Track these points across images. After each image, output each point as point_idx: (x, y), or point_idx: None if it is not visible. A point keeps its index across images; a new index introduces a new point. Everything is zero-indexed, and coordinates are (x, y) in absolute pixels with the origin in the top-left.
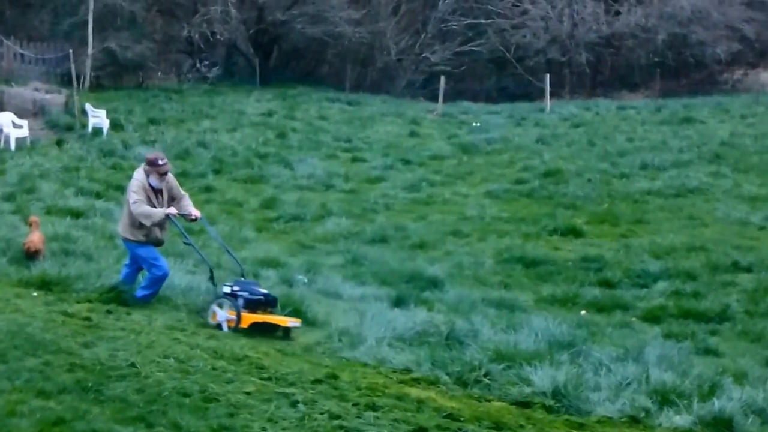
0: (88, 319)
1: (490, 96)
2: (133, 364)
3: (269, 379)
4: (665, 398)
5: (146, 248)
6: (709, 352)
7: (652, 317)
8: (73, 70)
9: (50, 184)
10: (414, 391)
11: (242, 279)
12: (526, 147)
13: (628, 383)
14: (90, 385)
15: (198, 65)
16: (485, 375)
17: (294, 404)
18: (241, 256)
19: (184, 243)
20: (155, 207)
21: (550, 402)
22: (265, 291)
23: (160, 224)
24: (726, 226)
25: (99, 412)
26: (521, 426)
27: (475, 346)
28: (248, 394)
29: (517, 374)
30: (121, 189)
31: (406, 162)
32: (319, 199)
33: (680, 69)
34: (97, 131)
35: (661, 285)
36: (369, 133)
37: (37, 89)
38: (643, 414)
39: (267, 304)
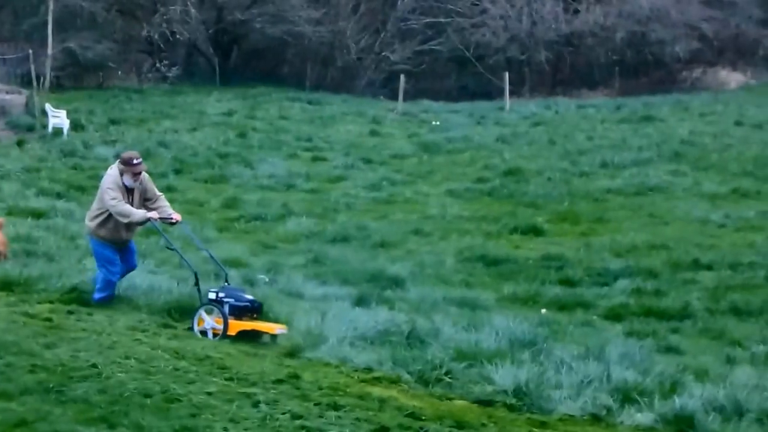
0: (49, 320)
1: (450, 95)
2: (94, 365)
3: (231, 379)
4: (627, 396)
5: (105, 248)
6: (670, 349)
7: (614, 315)
8: (33, 71)
9: (11, 184)
10: (376, 390)
11: (227, 285)
12: (487, 146)
13: (590, 381)
14: (52, 386)
15: (158, 65)
16: (447, 374)
17: (256, 404)
18: (204, 256)
19: (168, 248)
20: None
21: (512, 400)
22: (251, 297)
23: (135, 225)
24: (686, 224)
25: (61, 413)
26: (483, 425)
27: (436, 345)
28: (210, 394)
29: (478, 373)
30: (82, 189)
31: (368, 161)
32: (280, 199)
33: (640, 67)
34: (58, 131)
35: (622, 283)
36: (330, 133)
37: None
38: (604, 412)
39: (253, 310)
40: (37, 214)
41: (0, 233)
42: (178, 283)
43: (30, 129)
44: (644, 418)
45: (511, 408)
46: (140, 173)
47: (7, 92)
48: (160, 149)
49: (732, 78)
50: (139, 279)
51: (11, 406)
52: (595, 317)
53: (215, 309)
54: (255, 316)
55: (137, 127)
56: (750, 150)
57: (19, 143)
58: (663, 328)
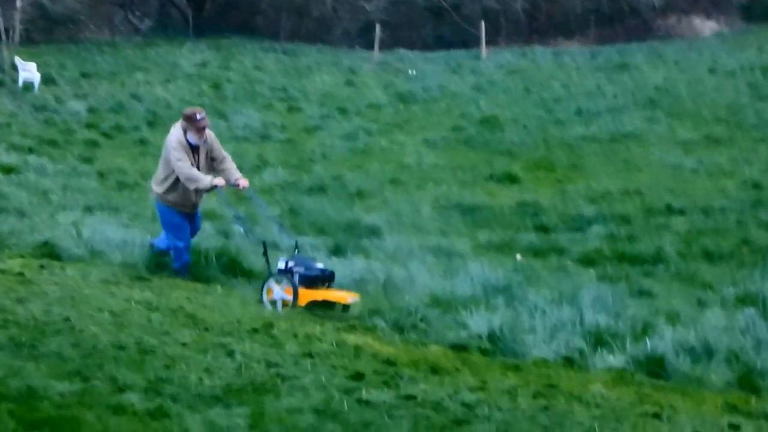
0: (21, 274)
1: (426, 44)
2: (67, 319)
3: (205, 330)
4: (599, 339)
5: (173, 214)
6: (642, 293)
7: (588, 260)
8: (2, 24)
9: None
10: (351, 338)
11: (298, 253)
12: (463, 95)
13: (563, 325)
14: (24, 341)
15: (130, 17)
16: (422, 320)
17: (231, 354)
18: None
19: (235, 217)
20: (192, 166)
21: (486, 345)
22: (322, 266)
23: (201, 192)
24: (660, 171)
25: (34, 368)
26: (457, 369)
27: (412, 293)
28: (184, 345)
29: (453, 319)
30: (54, 144)
31: (343, 111)
32: (255, 150)
33: (615, 16)
34: (28, 86)
35: (597, 229)
36: (305, 83)
37: None
38: (577, 355)
39: (324, 279)
40: (8, 170)
41: None
42: (151, 237)
43: None
44: (616, 360)
45: (485, 353)
46: (204, 129)
47: None
48: (133, 102)
49: (706, 26)
50: (111, 232)
51: None
52: (569, 263)
53: (285, 279)
54: (327, 285)
55: (109, 80)
56: (723, 97)
57: None
58: (636, 273)
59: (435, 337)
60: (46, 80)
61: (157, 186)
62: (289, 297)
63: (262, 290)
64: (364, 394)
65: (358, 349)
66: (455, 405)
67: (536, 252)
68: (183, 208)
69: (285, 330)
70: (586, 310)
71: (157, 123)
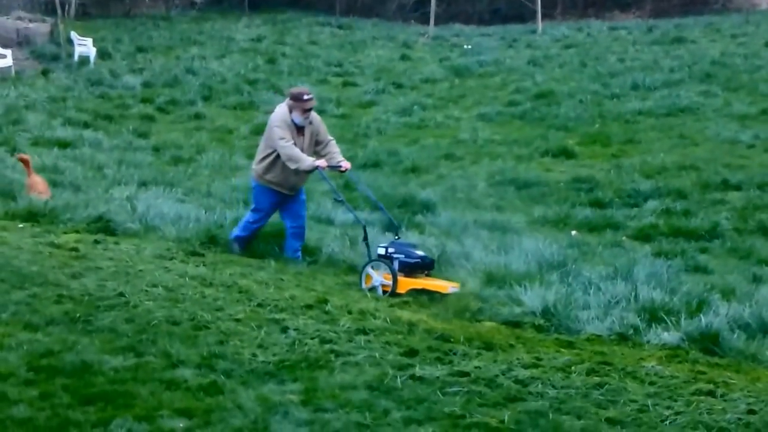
0: (75, 249)
1: (482, 18)
2: (121, 294)
3: (259, 305)
4: (654, 315)
5: (268, 196)
6: (698, 269)
7: (643, 236)
8: None
9: (37, 114)
10: (405, 315)
11: (397, 239)
12: (518, 69)
13: (617, 301)
14: (78, 316)
15: None
16: (476, 296)
17: (284, 330)
18: (232, 184)
19: (335, 200)
20: (296, 146)
21: (540, 321)
22: (422, 253)
23: (303, 173)
24: (716, 145)
25: (88, 342)
26: (511, 345)
27: (466, 268)
28: (238, 321)
29: (507, 295)
30: (110, 118)
31: (398, 86)
32: None
33: None
34: (84, 60)
35: (652, 204)
36: (360, 58)
37: (20, 18)
38: (631, 331)
39: (424, 267)
40: (63, 144)
41: (35, 175)
42: (206, 212)
43: (55, 58)
44: (670, 337)
45: (539, 329)
46: (311, 109)
47: (31, 20)
48: (187, 77)
49: None
50: (166, 207)
51: (37, 337)
52: (624, 238)
53: (383, 265)
54: (427, 273)
55: (165, 54)
56: None
57: (44, 73)
58: (691, 248)
59: (489, 313)
60: (102, 55)
61: (256, 165)
62: (389, 282)
63: (361, 275)
64: (418, 371)
65: (411, 326)
66: (509, 381)
67: (591, 227)
68: (281, 189)
69: (339, 306)
70: (640, 286)
71: (212, 97)
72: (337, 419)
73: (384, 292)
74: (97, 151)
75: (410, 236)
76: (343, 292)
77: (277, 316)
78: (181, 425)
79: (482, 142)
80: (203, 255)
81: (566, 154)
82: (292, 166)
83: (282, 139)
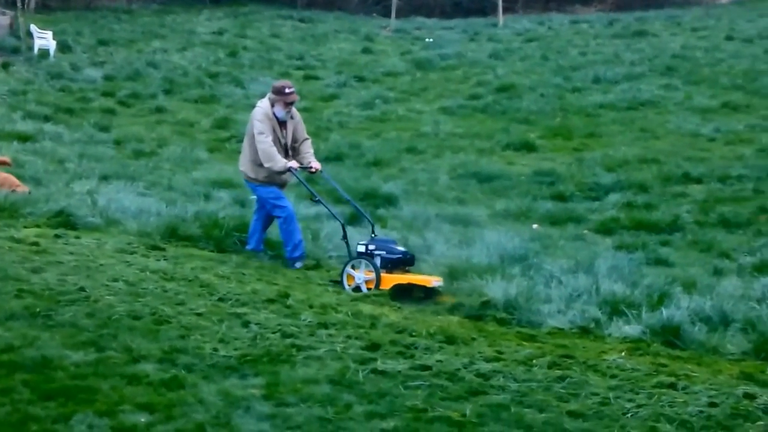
0: (36, 244)
1: (443, 11)
2: (82, 289)
3: (221, 300)
4: (615, 308)
5: (268, 188)
6: (659, 262)
7: (605, 229)
8: None
9: None
10: (367, 308)
11: (375, 236)
12: (480, 62)
13: (579, 295)
14: (39, 311)
15: None
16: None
17: (246, 324)
18: (194, 177)
19: (313, 200)
20: (279, 141)
21: (502, 315)
22: (403, 249)
23: (278, 173)
24: (677, 138)
25: (49, 337)
26: (473, 339)
27: (428, 261)
28: (200, 315)
29: (470, 288)
30: (71, 112)
31: (360, 79)
32: None
33: None
34: (44, 53)
35: (614, 197)
36: (322, 51)
37: None
38: (593, 324)
39: (405, 262)
40: (24, 138)
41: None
42: (167, 205)
43: (15, 51)
44: (632, 329)
45: (501, 322)
46: (293, 103)
47: None
48: (149, 70)
49: None
50: (127, 201)
51: None
52: (586, 231)
53: (364, 262)
54: (407, 268)
55: (126, 48)
56: (740, 64)
57: (4, 66)
58: (653, 241)
59: (451, 306)
60: (63, 48)
61: (245, 166)
62: (372, 278)
63: (342, 273)
64: (380, 365)
65: (373, 319)
66: (471, 375)
67: (553, 221)
68: (273, 184)
69: (301, 300)
70: (602, 279)
71: (174, 91)
72: (299, 413)
73: (368, 288)
74: (58, 145)
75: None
76: (304, 286)
77: (238, 311)
78: (143, 420)
79: (444, 136)
80: (164, 249)
81: (528, 147)
82: (266, 164)
83: (261, 134)
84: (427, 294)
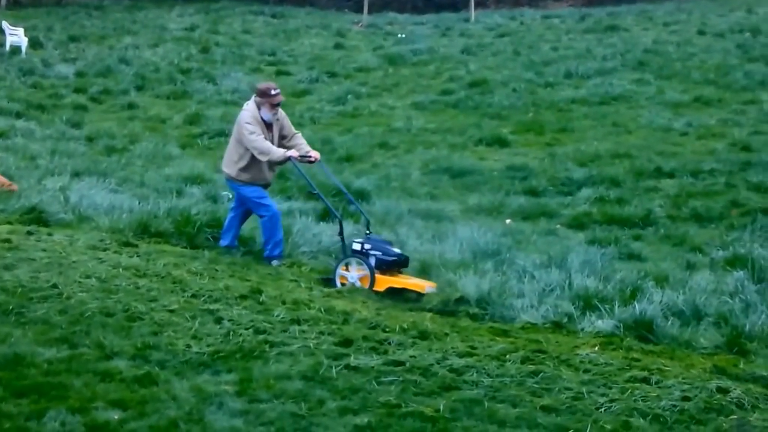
0: (8, 241)
1: (415, 6)
2: (55, 285)
3: (193, 296)
4: (588, 303)
5: (252, 188)
6: (632, 256)
7: (577, 224)
8: None
9: None
10: (340, 304)
11: (370, 234)
12: (452, 57)
13: (552, 290)
14: (11, 308)
15: None
16: None
17: (219, 320)
18: (166, 173)
19: (310, 192)
20: None
21: (475, 310)
22: (398, 250)
23: (275, 164)
24: (649, 133)
25: (21, 334)
26: (446, 334)
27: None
28: (172, 311)
29: (443, 283)
30: (42, 108)
31: (332, 75)
32: None
33: None
34: (16, 50)
35: (586, 192)
36: (294, 46)
37: None
38: (565, 319)
39: (400, 264)
40: None
41: None
42: (139, 202)
43: None
44: (605, 324)
45: (473, 317)
46: (279, 105)
47: None
48: (121, 66)
49: None
50: (99, 197)
51: None
52: (558, 226)
53: (355, 261)
54: (400, 270)
55: (98, 43)
56: (712, 59)
57: None
58: (625, 236)
59: (424, 301)
60: (34, 44)
61: (229, 168)
62: (365, 274)
63: (335, 271)
64: (353, 360)
65: (346, 315)
66: (443, 370)
67: (525, 215)
68: (257, 186)
69: (273, 296)
70: (574, 274)
71: (146, 87)
72: (272, 409)
73: (363, 285)
74: (29, 141)
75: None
76: (277, 282)
77: (211, 307)
78: (116, 417)
79: (416, 131)
80: (137, 245)
81: (500, 142)
82: (264, 159)
83: (252, 133)
84: (418, 296)
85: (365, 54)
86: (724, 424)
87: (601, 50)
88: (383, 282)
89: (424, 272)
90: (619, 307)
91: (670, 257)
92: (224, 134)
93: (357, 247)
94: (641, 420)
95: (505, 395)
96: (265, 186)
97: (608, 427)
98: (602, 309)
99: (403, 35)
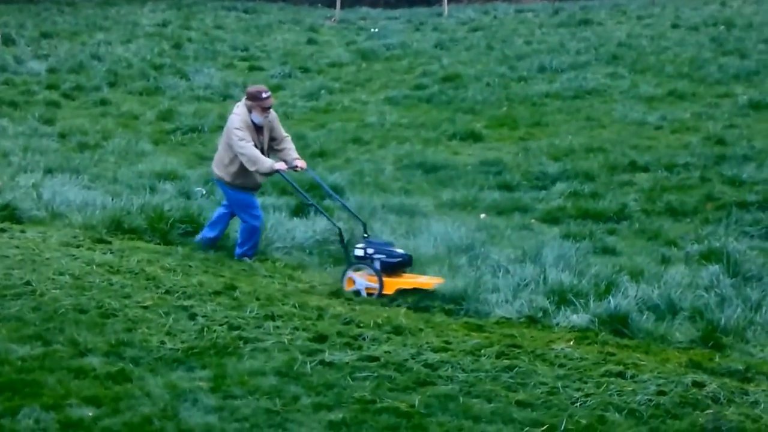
0: None
1: (388, 1)
2: (28, 283)
3: (167, 292)
4: (563, 298)
5: (242, 195)
6: (606, 251)
7: (551, 218)
8: None
9: None
10: (314, 300)
11: (368, 237)
12: (425, 52)
13: (526, 284)
14: None
15: None
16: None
17: (193, 317)
18: (138, 169)
19: (304, 203)
20: (256, 146)
21: (450, 305)
22: (402, 251)
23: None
24: (623, 127)
25: None
26: (420, 329)
27: None
28: (146, 308)
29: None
30: (14, 105)
31: (305, 70)
32: (217, 110)
33: None
34: None
35: (560, 186)
36: (266, 42)
37: None
38: (540, 314)
39: (405, 265)
40: None
41: None
42: (112, 198)
43: None
44: (579, 319)
45: (448, 312)
46: (270, 108)
47: None
48: (93, 62)
49: None
50: (72, 194)
51: None
52: (532, 221)
53: (365, 267)
54: (405, 270)
55: (70, 40)
56: (686, 52)
57: None
58: (599, 230)
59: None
60: (5, 40)
61: (221, 170)
62: (374, 285)
63: (342, 279)
64: (327, 356)
65: (320, 311)
66: (418, 366)
67: (499, 210)
68: (248, 190)
69: (247, 292)
70: (549, 269)
71: (118, 83)
72: (247, 406)
73: (369, 295)
74: (2, 138)
75: (318, 221)
76: (251, 278)
77: (185, 303)
78: (90, 414)
79: (389, 126)
80: (110, 242)
81: (474, 137)
82: (252, 168)
83: (242, 140)
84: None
85: (338, 49)
86: (699, 419)
87: (575, 44)
88: (392, 285)
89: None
90: (594, 301)
91: (645, 251)
92: (197, 130)
93: (360, 252)
94: (616, 414)
95: (480, 390)
96: (256, 189)
97: (583, 421)
98: (577, 303)
99: (376, 30)
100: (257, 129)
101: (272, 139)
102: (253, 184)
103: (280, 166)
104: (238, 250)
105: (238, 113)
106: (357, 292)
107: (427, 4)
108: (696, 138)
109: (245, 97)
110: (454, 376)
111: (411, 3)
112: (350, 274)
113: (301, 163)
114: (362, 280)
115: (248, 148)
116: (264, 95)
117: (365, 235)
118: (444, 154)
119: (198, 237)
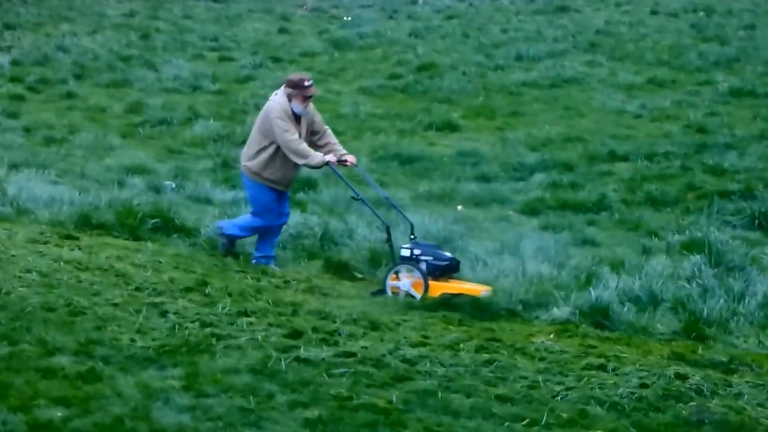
0: None
1: None
2: None
3: (137, 289)
4: (542, 290)
5: (266, 193)
6: (586, 242)
7: (530, 210)
8: None
9: None
10: (288, 295)
11: (415, 239)
12: (400, 41)
13: (506, 277)
14: None
15: None
16: (361, 274)
17: (164, 314)
18: (107, 163)
19: (354, 198)
20: None
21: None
22: (449, 254)
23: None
24: (602, 116)
25: None
26: (398, 324)
27: (350, 246)
28: (116, 305)
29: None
30: None
31: (277, 60)
32: (186, 102)
33: None
34: None
35: (539, 177)
36: (237, 32)
37: None
38: (520, 307)
39: (452, 269)
40: None
41: None
42: (80, 193)
43: None
44: (560, 311)
45: (426, 307)
46: (311, 97)
47: None
48: (58, 54)
49: None
50: (39, 190)
51: None
52: (511, 212)
53: (411, 269)
54: (453, 275)
55: (34, 32)
56: (665, 39)
57: None
58: (579, 221)
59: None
60: None
61: (249, 161)
62: (417, 290)
63: (385, 279)
64: (303, 352)
65: (295, 306)
66: (396, 361)
67: (477, 202)
68: (278, 186)
69: (219, 288)
70: (528, 261)
71: (85, 75)
72: (220, 404)
73: (411, 296)
74: None
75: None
76: (222, 273)
77: (155, 300)
78: (59, 414)
79: (364, 117)
80: (78, 238)
81: (450, 127)
82: (300, 162)
83: (287, 132)
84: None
85: (310, 38)
86: (683, 411)
87: (552, 32)
88: (437, 288)
89: (374, 262)
90: (574, 293)
91: (626, 242)
92: (166, 122)
93: (406, 253)
94: (598, 408)
95: (459, 385)
96: (287, 186)
97: (565, 415)
98: (557, 296)
99: (349, 18)
100: (296, 119)
101: (313, 133)
102: (285, 179)
103: (331, 158)
104: (225, 229)
105: (278, 101)
106: (399, 293)
107: None
108: (676, 126)
109: (285, 84)
110: (432, 372)
111: None
112: (391, 282)
113: (351, 158)
114: (407, 282)
115: (295, 141)
116: (307, 83)
117: (412, 237)
118: (420, 145)
119: (255, 258)
